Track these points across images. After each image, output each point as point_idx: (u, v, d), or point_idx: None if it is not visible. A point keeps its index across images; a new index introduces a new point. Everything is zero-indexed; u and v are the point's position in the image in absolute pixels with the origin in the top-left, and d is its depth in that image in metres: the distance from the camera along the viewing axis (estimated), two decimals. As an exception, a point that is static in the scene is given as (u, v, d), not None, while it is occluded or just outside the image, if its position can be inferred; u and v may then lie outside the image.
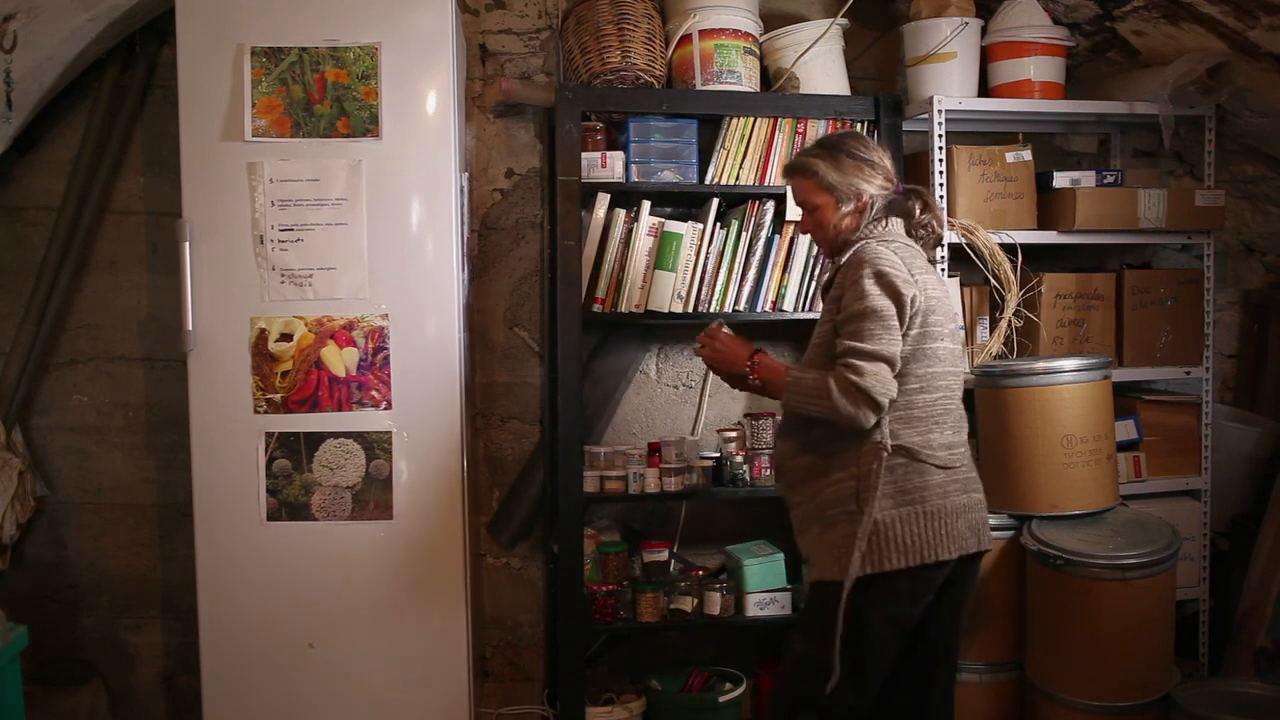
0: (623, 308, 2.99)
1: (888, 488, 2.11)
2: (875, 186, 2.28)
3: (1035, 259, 3.04)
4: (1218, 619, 3.12)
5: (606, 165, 2.98)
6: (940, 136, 2.95)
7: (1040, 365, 2.71)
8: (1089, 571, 2.51)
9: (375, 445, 2.66)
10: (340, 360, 2.64)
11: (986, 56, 3.13)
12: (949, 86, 3.03)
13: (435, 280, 2.66)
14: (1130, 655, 2.55)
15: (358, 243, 2.63)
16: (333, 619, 2.66)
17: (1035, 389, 2.68)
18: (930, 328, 2.16)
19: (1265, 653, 2.95)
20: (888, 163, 2.31)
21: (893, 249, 2.18)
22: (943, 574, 2.16)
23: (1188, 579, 3.04)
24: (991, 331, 3.04)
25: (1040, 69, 3.05)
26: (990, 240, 2.95)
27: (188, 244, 2.60)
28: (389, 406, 2.65)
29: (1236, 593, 3.08)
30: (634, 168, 3.01)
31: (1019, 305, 2.99)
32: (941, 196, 2.95)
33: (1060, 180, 3.03)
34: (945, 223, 2.74)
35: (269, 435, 2.63)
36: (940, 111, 2.95)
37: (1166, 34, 2.91)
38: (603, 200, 2.98)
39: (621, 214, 2.99)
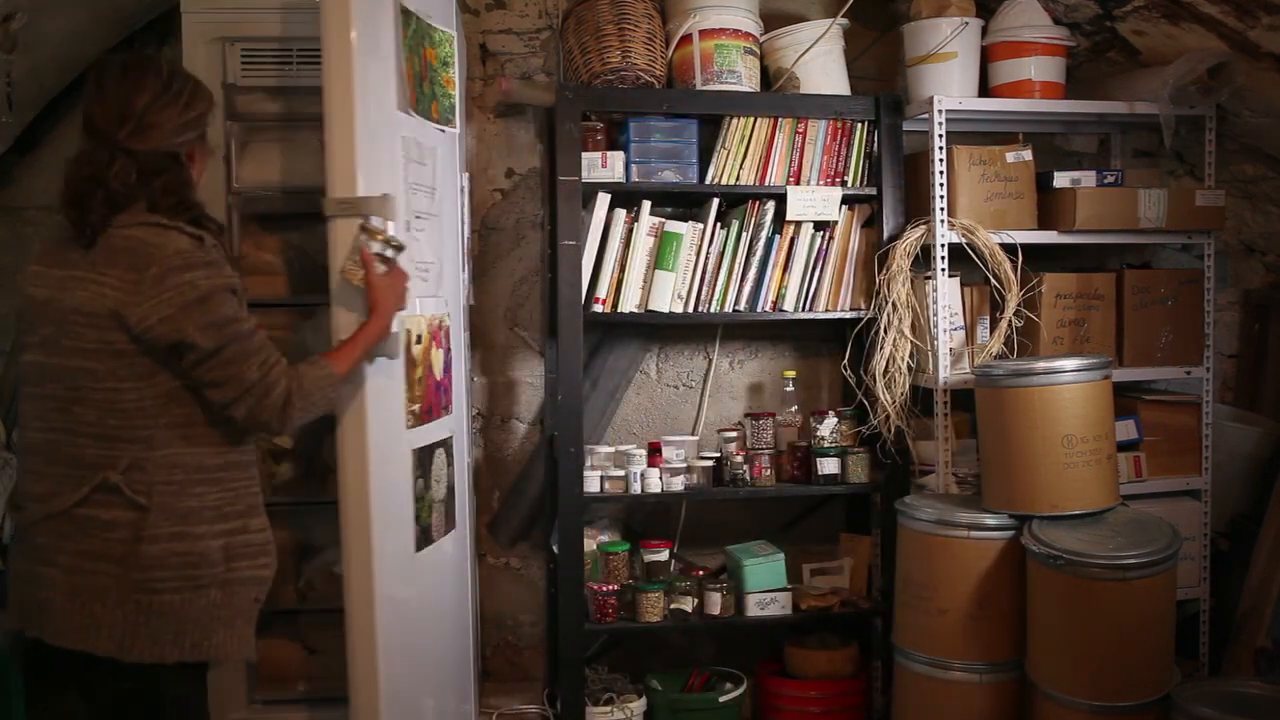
0: (623, 308, 2.99)
1: None
2: None
3: (1035, 259, 3.03)
4: (1218, 619, 3.12)
5: (607, 165, 2.98)
6: (940, 136, 2.95)
7: (1040, 365, 2.71)
8: (1089, 571, 2.51)
9: (375, 445, 2.64)
10: (340, 360, 2.63)
11: (987, 56, 3.12)
12: (949, 86, 3.03)
13: (435, 280, 2.66)
14: (1130, 655, 2.55)
15: (358, 243, 2.62)
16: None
17: (1035, 389, 2.68)
18: None
19: (1265, 653, 2.95)
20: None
21: None
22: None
23: (1188, 579, 3.04)
24: (992, 331, 3.04)
25: (1040, 69, 3.05)
26: (990, 240, 2.95)
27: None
28: (389, 406, 2.64)
29: (1236, 593, 3.08)
30: (634, 168, 3.00)
31: (1019, 305, 2.99)
32: (942, 196, 2.95)
33: (1060, 180, 3.02)
34: None
35: (269, 435, 2.62)
36: (940, 111, 2.95)
37: (1167, 34, 2.90)
38: (603, 200, 2.98)
39: (622, 214, 2.99)
